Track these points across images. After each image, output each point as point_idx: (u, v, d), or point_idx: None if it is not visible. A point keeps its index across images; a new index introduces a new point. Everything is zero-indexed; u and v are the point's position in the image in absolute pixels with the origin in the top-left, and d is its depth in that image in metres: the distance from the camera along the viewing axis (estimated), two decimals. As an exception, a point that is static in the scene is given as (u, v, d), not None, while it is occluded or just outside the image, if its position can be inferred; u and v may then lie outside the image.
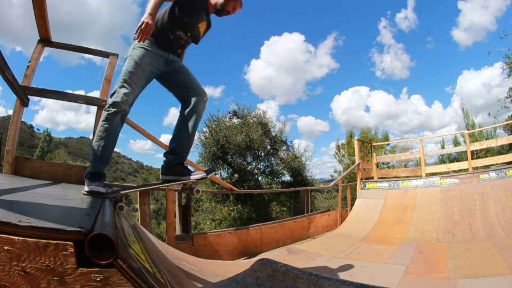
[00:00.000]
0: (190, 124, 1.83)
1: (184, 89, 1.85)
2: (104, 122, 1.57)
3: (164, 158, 1.86)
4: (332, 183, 7.31)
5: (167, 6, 1.80)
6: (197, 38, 1.99)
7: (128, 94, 1.60)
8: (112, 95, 1.61)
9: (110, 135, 1.59)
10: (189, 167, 1.94)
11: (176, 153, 1.83)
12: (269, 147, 9.60)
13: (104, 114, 1.58)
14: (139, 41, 1.57)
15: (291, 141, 10.07)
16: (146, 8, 1.59)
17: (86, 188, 1.49)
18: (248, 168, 9.31)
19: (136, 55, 1.68)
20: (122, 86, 1.60)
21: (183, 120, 1.84)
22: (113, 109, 1.57)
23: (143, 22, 1.53)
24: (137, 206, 3.04)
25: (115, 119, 1.58)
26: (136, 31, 1.54)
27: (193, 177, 1.81)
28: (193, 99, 1.83)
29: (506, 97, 10.26)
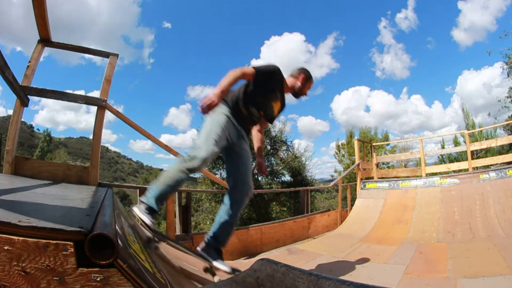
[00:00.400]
0: (233, 214, 1.86)
1: (237, 175, 1.87)
2: (180, 174, 1.60)
3: (208, 237, 1.89)
4: (332, 183, 7.32)
5: (245, 82, 1.86)
6: (271, 117, 2.04)
7: (212, 154, 1.64)
8: (196, 149, 1.63)
9: (176, 186, 1.66)
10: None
11: (217, 240, 1.87)
12: (269, 147, 9.60)
13: (184, 165, 1.60)
14: (202, 114, 1.60)
15: (291, 141, 10.09)
16: (219, 83, 1.62)
17: (139, 214, 1.55)
18: (248, 168, 9.29)
19: (221, 120, 1.74)
20: (209, 144, 1.63)
21: (227, 210, 1.87)
22: (196, 165, 1.59)
23: (210, 99, 1.55)
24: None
25: (189, 174, 1.63)
26: (201, 104, 1.55)
27: (218, 265, 1.80)
28: (241, 191, 1.86)
29: (507, 97, 10.25)
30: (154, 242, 1.50)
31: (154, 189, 1.63)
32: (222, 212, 1.88)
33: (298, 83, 1.97)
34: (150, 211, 1.58)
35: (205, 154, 1.59)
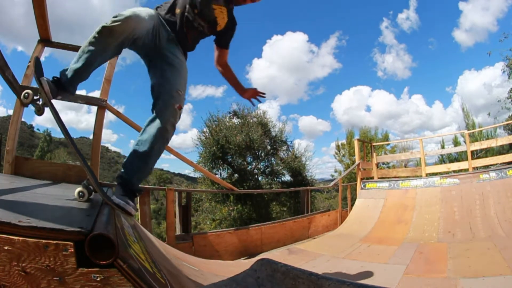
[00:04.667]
0: (148, 138, 1.41)
1: (163, 84, 1.47)
2: (93, 37, 1.26)
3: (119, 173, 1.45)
4: (332, 183, 7.31)
5: None
6: (213, 26, 1.67)
7: (136, 19, 1.31)
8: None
9: (90, 57, 1.29)
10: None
11: (125, 173, 1.40)
12: (269, 147, 9.60)
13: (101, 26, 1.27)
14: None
15: (292, 141, 10.09)
16: None
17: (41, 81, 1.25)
18: (248, 168, 9.32)
19: (149, 11, 1.47)
20: (134, 10, 1.32)
21: (141, 133, 1.44)
22: (115, 24, 1.24)
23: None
24: (137, 206, 3.04)
25: (103, 37, 1.26)
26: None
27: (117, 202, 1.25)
28: (165, 103, 1.42)
29: (507, 98, 10.25)
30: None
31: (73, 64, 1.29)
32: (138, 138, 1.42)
33: None
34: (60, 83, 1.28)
35: (129, 14, 1.24)
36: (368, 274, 2.41)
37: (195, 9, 1.59)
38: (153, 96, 1.46)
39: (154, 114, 1.41)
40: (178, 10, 1.58)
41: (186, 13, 1.58)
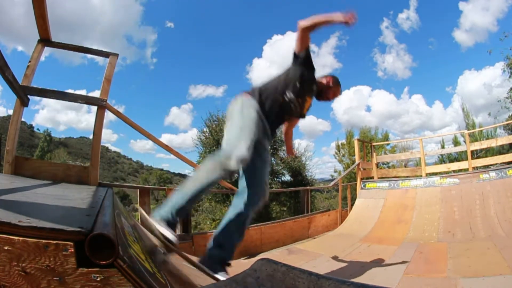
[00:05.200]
0: (243, 217, 1.66)
1: (255, 177, 1.72)
2: (214, 174, 1.37)
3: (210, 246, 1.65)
4: (332, 183, 7.31)
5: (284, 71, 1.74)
6: (301, 113, 1.85)
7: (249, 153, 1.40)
8: (230, 146, 1.41)
9: (205, 189, 1.42)
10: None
11: (221, 247, 1.60)
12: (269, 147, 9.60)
13: (219, 164, 1.37)
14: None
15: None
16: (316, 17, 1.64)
17: (160, 228, 1.34)
18: (248, 168, 9.31)
19: (253, 115, 1.56)
20: (246, 141, 1.40)
21: (237, 212, 1.66)
22: (232, 166, 1.35)
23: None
24: (137, 206, 3.05)
25: (224, 175, 1.41)
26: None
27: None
28: (256, 194, 1.71)
29: (507, 98, 10.27)
30: (161, 254, 1.29)
31: (175, 197, 1.41)
32: (231, 214, 1.63)
33: (325, 84, 1.89)
34: (169, 224, 1.36)
35: (243, 153, 1.32)
36: (368, 274, 2.41)
37: (299, 99, 1.70)
38: (243, 181, 1.68)
39: (246, 198, 1.63)
40: (281, 99, 1.65)
41: (290, 102, 1.66)
